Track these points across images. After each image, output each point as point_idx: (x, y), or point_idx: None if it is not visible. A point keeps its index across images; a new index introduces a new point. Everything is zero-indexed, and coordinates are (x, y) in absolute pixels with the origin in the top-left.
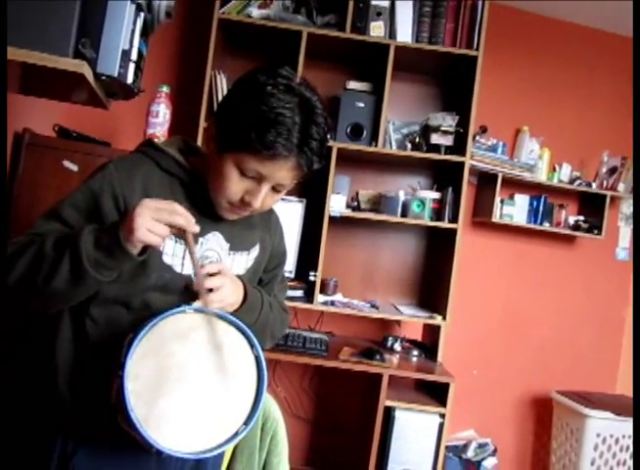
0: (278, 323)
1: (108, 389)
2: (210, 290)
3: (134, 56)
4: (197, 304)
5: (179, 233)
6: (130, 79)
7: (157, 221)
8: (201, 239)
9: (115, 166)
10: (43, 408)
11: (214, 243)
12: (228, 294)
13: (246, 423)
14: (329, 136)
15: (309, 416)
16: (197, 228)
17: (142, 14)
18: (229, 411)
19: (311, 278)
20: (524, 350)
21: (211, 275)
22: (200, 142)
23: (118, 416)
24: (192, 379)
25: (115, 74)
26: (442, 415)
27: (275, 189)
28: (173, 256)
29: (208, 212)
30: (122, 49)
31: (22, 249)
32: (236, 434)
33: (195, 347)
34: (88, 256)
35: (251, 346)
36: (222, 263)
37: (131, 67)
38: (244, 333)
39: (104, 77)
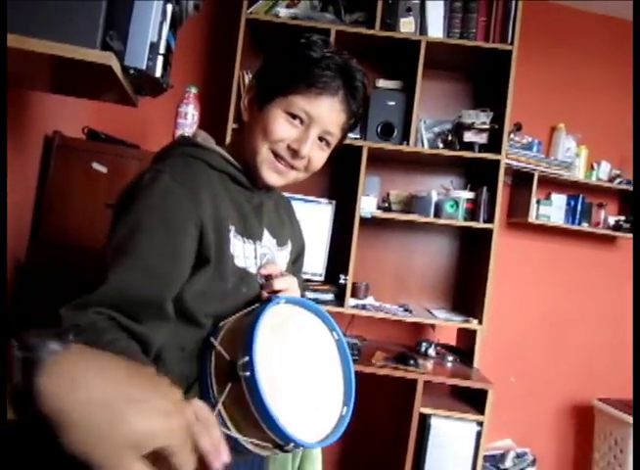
0: None
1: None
2: (278, 291)
3: (162, 49)
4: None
5: None
6: (159, 73)
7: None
8: (263, 236)
9: (177, 181)
10: None
11: (267, 240)
12: (296, 294)
13: (346, 404)
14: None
15: None
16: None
17: (170, 5)
18: (328, 397)
19: (342, 281)
20: (562, 355)
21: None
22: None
23: None
24: (295, 370)
25: (144, 67)
26: (480, 423)
27: (322, 139)
28: (245, 257)
29: (259, 210)
30: (150, 41)
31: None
32: (342, 417)
33: (291, 337)
34: None
35: (331, 330)
36: (278, 265)
37: (159, 60)
38: (324, 318)
39: (132, 71)
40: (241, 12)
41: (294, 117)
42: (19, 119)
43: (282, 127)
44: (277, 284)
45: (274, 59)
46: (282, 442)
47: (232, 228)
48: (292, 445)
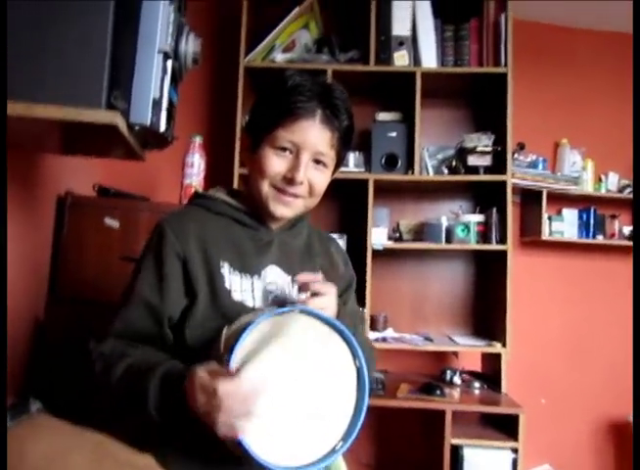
0: (370, 361)
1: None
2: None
3: (165, 104)
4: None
5: None
6: (163, 128)
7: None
8: (262, 271)
9: (168, 223)
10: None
11: (275, 276)
12: (332, 304)
13: (344, 439)
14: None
15: (371, 461)
16: None
17: (170, 61)
18: (327, 424)
19: None
20: (589, 371)
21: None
22: (236, 187)
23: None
24: (292, 386)
25: (148, 123)
26: (515, 450)
27: (317, 162)
28: (242, 291)
29: (266, 247)
30: (153, 98)
31: (113, 365)
32: (333, 450)
33: (297, 351)
34: (154, 413)
35: (355, 356)
36: (327, 283)
37: (163, 115)
38: (348, 341)
39: (137, 127)
40: (239, 60)
41: (282, 149)
42: (31, 182)
43: (273, 163)
44: (313, 286)
45: (255, 105)
46: (242, 453)
47: (225, 264)
48: (254, 463)
